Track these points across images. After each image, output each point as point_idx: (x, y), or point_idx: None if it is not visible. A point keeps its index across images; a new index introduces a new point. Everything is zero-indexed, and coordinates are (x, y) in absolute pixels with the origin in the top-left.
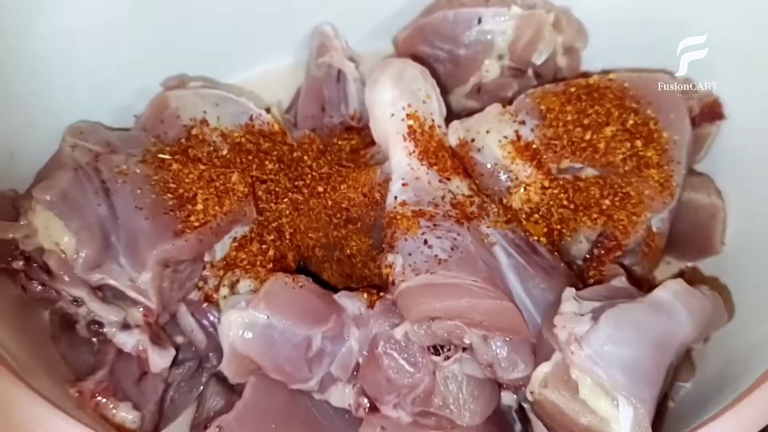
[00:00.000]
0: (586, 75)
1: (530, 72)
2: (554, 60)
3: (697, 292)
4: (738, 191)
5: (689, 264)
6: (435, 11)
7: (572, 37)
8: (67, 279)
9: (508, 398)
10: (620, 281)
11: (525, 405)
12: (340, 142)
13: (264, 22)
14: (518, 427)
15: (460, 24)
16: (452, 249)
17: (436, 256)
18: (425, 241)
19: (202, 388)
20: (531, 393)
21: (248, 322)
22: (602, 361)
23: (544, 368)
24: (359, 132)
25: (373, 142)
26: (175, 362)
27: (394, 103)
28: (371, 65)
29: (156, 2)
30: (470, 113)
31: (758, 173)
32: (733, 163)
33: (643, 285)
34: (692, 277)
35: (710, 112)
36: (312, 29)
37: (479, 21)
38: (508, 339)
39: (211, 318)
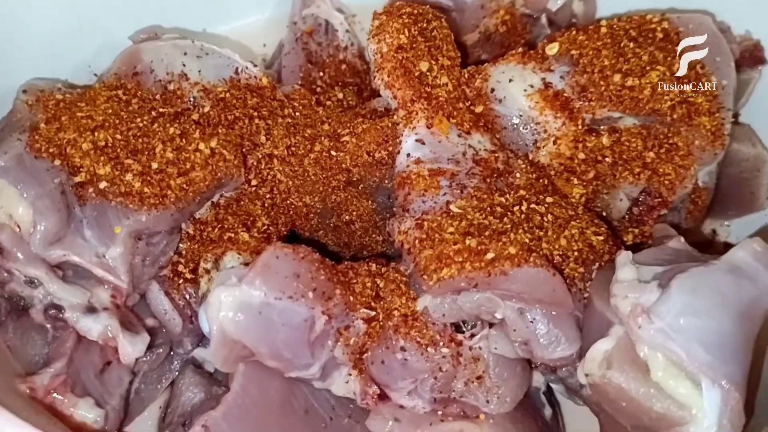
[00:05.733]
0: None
1: (543, 19)
2: (570, 6)
3: None
4: None
5: (726, 223)
6: None
7: None
8: (21, 257)
9: (535, 379)
10: (678, 242)
11: (554, 386)
12: (332, 98)
13: None
14: (548, 411)
15: None
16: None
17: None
18: (447, 203)
19: (173, 377)
20: (587, 375)
21: (242, 302)
22: (679, 335)
23: (603, 345)
24: (352, 86)
25: (369, 97)
26: None
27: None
28: (360, 18)
29: None
30: (479, 64)
31: None
32: None
33: None
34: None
35: (751, 57)
36: None
37: None
38: (548, 312)
39: (188, 297)
